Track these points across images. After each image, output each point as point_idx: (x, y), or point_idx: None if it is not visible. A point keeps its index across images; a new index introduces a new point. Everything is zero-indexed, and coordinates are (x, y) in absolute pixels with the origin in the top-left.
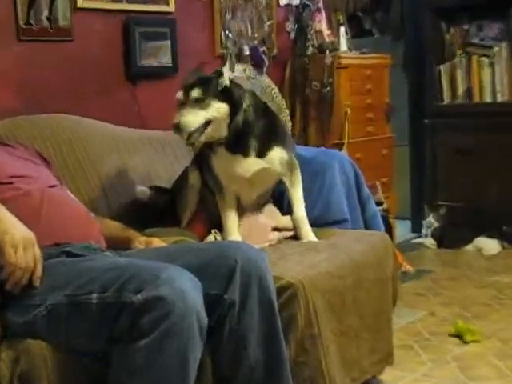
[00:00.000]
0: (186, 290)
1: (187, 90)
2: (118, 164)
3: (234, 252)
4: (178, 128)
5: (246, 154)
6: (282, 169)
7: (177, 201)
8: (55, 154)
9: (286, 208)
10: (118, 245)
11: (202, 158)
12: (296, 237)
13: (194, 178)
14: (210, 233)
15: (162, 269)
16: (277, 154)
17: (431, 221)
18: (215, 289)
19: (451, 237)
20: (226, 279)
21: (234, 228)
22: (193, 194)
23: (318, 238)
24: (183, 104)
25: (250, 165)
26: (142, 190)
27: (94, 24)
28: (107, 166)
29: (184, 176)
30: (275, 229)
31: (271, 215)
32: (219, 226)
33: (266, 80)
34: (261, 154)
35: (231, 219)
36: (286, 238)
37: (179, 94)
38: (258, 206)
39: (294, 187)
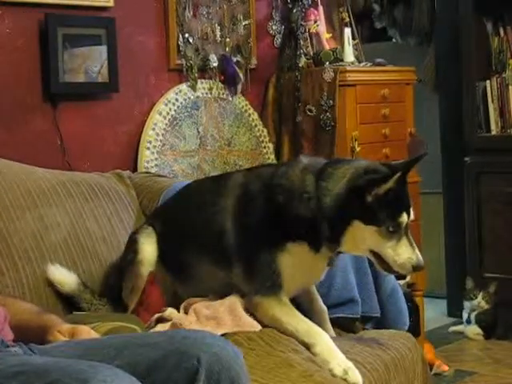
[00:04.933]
0: None
1: (410, 207)
2: (35, 224)
3: (197, 347)
4: (418, 269)
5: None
6: None
7: (122, 279)
8: None
9: None
10: (32, 336)
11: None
12: None
13: (146, 250)
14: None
15: (93, 372)
16: None
17: (476, 301)
18: None
19: (504, 324)
20: None
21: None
22: (142, 274)
23: None
24: (402, 230)
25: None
26: (61, 275)
27: None
28: (19, 227)
29: (130, 245)
30: None
31: (231, 309)
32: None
33: (240, 102)
34: None
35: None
36: None
37: (405, 218)
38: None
39: None
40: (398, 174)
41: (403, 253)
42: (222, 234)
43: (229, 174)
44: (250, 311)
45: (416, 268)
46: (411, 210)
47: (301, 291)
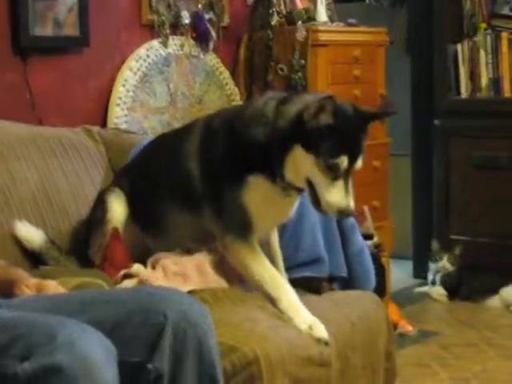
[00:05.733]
0: (93, 356)
1: (357, 155)
2: (3, 178)
3: (164, 304)
4: (345, 215)
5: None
6: None
7: (90, 237)
8: None
9: None
10: None
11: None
12: None
13: (115, 209)
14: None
15: (60, 326)
16: None
17: (441, 263)
18: (136, 355)
19: (468, 285)
20: (150, 342)
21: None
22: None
23: None
24: (340, 172)
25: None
26: (28, 232)
27: None
28: None
29: (99, 204)
30: None
31: (199, 266)
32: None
33: (212, 60)
34: None
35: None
36: None
37: (345, 162)
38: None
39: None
40: (346, 112)
41: (335, 194)
42: (189, 177)
43: (193, 120)
44: (219, 267)
45: (342, 212)
46: (359, 160)
47: (271, 232)
